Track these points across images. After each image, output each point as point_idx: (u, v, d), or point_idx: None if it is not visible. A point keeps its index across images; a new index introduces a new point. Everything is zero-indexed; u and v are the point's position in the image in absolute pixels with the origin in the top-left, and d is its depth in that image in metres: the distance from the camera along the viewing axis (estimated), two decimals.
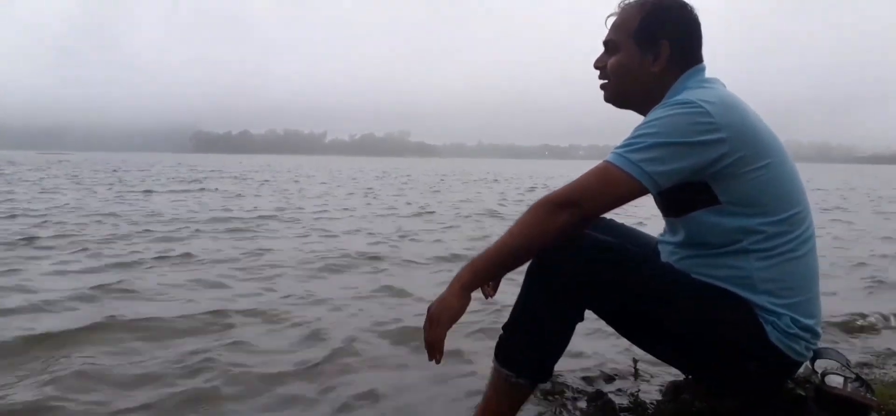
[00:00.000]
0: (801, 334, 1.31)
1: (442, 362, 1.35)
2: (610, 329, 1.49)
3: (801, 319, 1.30)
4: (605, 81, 1.48)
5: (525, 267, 1.37)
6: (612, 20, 1.47)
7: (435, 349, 1.33)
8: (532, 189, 16.26)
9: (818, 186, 18.81)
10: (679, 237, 1.43)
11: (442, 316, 1.31)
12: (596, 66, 1.50)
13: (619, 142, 1.36)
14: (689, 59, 1.41)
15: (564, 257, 1.31)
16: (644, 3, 1.43)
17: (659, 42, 1.39)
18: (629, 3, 1.45)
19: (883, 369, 2.22)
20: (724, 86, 1.38)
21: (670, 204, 1.40)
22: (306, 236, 5.94)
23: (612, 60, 1.45)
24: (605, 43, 1.48)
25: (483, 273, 1.35)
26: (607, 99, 1.50)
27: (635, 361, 2.14)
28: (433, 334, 1.32)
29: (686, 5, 1.42)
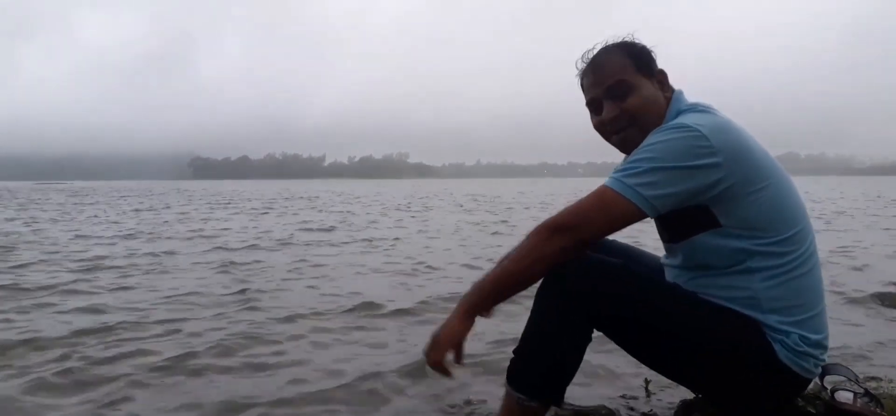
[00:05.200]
0: (810, 350, 1.31)
1: (454, 377, 1.42)
2: (620, 350, 1.50)
3: (810, 335, 1.31)
4: (620, 127, 1.43)
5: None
6: (591, 77, 1.45)
7: (438, 371, 1.39)
8: None
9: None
10: (681, 260, 1.44)
11: (443, 340, 1.36)
12: (607, 120, 1.43)
13: (616, 160, 1.37)
14: (665, 83, 1.46)
15: (573, 279, 1.32)
16: (620, 45, 1.45)
17: (655, 69, 1.44)
18: (602, 52, 1.45)
19: (892, 382, 2.22)
20: (712, 109, 1.39)
21: (671, 229, 1.41)
22: None
23: (632, 101, 1.40)
24: (610, 88, 1.42)
25: (486, 298, 1.38)
26: (628, 149, 1.43)
27: (646, 380, 2.14)
28: (433, 358, 1.38)
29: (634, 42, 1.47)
